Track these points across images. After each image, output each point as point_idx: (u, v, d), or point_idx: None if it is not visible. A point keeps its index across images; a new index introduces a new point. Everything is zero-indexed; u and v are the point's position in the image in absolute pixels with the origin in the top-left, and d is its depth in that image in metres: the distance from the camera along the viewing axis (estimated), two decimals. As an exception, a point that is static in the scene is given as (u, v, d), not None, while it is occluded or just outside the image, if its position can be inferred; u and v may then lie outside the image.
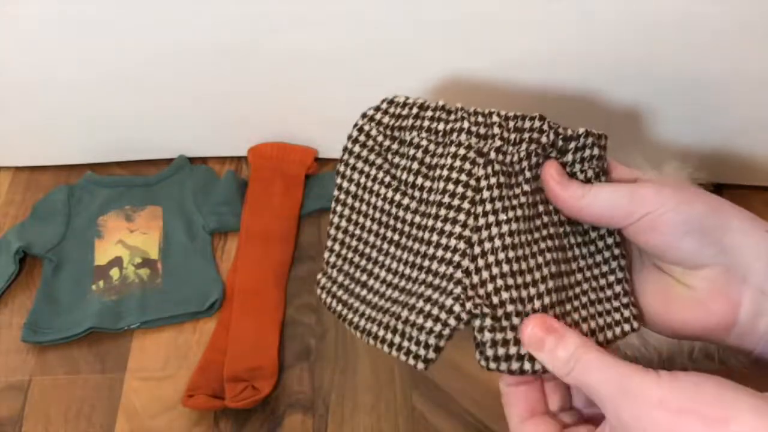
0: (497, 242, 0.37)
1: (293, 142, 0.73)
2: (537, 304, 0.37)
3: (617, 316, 0.40)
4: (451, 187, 0.39)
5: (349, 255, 0.42)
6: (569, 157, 0.40)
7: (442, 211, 0.39)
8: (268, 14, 0.59)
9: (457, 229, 0.38)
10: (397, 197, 0.41)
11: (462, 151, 0.39)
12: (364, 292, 0.41)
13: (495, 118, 0.39)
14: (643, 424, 0.31)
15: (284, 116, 0.71)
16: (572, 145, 0.40)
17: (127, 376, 0.59)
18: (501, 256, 0.37)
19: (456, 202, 0.38)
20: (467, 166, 0.38)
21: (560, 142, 0.40)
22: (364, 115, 0.43)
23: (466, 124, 0.39)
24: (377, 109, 0.42)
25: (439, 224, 0.39)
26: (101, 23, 0.60)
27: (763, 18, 0.55)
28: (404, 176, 0.41)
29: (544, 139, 0.39)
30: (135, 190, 0.72)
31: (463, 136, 0.39)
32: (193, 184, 0.72)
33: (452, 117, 0.40)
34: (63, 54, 0.63)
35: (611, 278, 0.41)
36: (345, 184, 0.43)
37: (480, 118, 0.39)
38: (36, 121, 0.70)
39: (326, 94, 0.66)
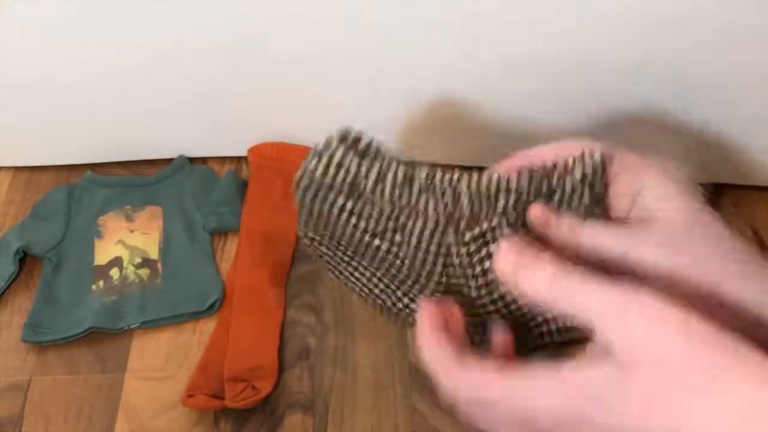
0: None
1: (293, 142, 0.73)
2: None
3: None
4: (430, 260, 0.39)
5: (326, 239, 0.42)
6: (557, 197, 0.37)
7: (422, 280, 0.40)
8: (267, 14, 0.59)
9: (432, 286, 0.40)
10: (367, 238, 0.40)
11: (431, 225, 0.38)
12: (349, 271, 0.44)
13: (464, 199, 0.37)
14: (650, 342, 0.27)
15: (284, 116, 0.71)
16: (557, 195, 0.37)
17: (127, 376, 0.59)
18: None
19: (435, 277, 0.40)
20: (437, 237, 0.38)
21: (544, 189, 0.37)
22: (318, 156, 0.40)
23: (431, 206, 0.37)
24: (330, 155, 0.40)
25: (418, 285, 0.41)
26: (101, 23, 0.60)
27: (763, 18, 0.55)
28: (371, 226, 0.39)
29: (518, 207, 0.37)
30: (135, 190, 0.72)
31: (430, 210, 0.37)
32: (193, 184, 0.72)
33: (415, 190, 0.37)
34: (63, 54, 0.63)
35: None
36: (306, 211, 0.41)
37: (447, 193, 0.37)
38: (36, 121, 0.70)
39: (326, 94, 0.66)
